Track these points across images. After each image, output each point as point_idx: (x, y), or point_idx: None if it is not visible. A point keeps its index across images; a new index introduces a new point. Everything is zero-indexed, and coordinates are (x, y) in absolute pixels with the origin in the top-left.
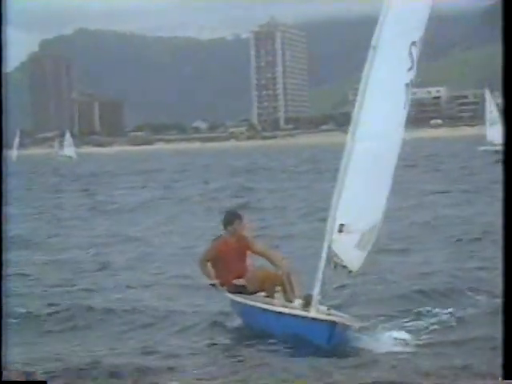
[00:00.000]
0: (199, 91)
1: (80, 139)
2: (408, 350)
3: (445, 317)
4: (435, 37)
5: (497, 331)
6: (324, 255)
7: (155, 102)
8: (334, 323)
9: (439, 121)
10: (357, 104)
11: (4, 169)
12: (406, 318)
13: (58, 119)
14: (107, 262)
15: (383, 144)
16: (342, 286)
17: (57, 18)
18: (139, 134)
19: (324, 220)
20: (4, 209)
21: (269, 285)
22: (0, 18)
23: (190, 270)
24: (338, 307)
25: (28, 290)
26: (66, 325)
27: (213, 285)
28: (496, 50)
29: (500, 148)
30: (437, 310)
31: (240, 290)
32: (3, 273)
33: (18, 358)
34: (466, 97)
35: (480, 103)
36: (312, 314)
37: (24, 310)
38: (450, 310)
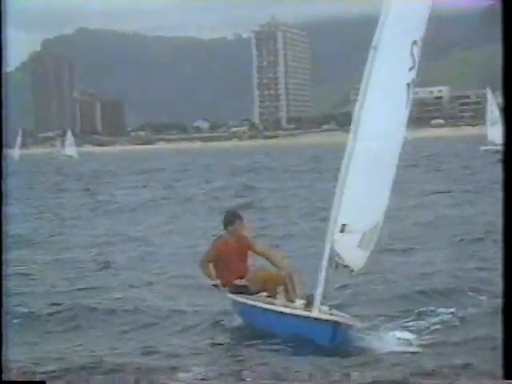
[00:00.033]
0: (200, 91)
1: (82, 138)
2: (410, 349)
3: (447, 317)
4: (436, 36)
5: (499, 331)
6: (326, 255)
7: (157, 101)
8: (337, 323)
9: (441, 120)
10: (358, 104)
11: (4, 168)
12: (407, 318)
13: (60, 119)
14: (109, 261)
15: (384, 144)
16: (343, 286)
17: (58, 18)
18: (141, 133)
19: (325, 220)
20: (4, 208)
21: (271, 285)
22: (0, 18)
23: (191, 270)
24: (338, 307)
25: (29, 290)
26: (68, 324)
27: (215, 285)
28: (497, 49)
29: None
30: (439, 309)
31: (241, 291)
32: (3, 272)
33: (19, 358)
34: (467, 97)
35: (482, 103)
36: (315, 313)
37: (26, 310)
38: (451, 309)
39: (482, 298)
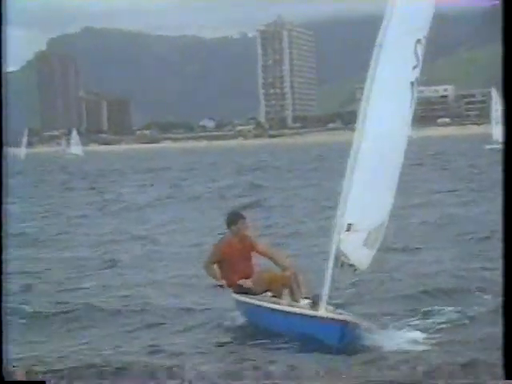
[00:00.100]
0: (206, 90)
1: (87, 137)
2: (418, 348)
3: (452, 315)
4: (441, 36)
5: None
6: (332, 254)
7: (162, 100)
8: (345, 322)
9: (446, 119)
10: (363, 103)
11: (4, 167)
12: (413, 317)
13: (66, 117)
14: (114, 259)
15: (389, 142)
16: (349, 285)
17: (63, 17)
18: (146, 132)
19: (331, 218)
20: (7, 207)
21: (276, 286)
22: (0, 18)
23: (197, 269)
24: (343, 306)
25: (35, 288)
26: (73, 323)
27: (220, 286)
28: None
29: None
30: (444, 308)
31: (246, 291)
32: (3, 272)
33: (23, 356)
34: (473, 95)
35: (487, 102)
36: (323, 313)
37: (31, 308)
38: (458, 308)
39: (486, 297)
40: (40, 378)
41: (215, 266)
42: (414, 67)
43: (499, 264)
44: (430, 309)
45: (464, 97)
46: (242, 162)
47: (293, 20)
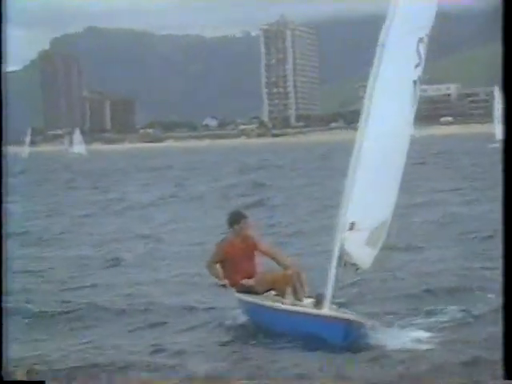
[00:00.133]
0: (209, 89)
1: (91, 136)
2: (421, 347)
3: (455, 314)
4: (444, 34)
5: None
6: (336, 253)
7: (165, 99)
8: (349, 321)
9: (450, 118)
10: (365, 102)
11: (4, 166)
12: (415, 316)
13: (69, 117)
14: (118, 258)
15: (392, 141)
16: (352, 284)
17: (66, 17)
18: (149, 131)
19: (334, 217)
20: (6, 206)
21: (279, 286)
22: (0, 17)
23: (199, 267)
24: (346, 305)
25: (38, 287)
26: (76, 322)
27: (223, 285)
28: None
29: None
30: (447, 307)
31: (248, 290)
32: (3, 271)
33: (26, 355)
34: (476, 94)
35: (490, 100)
36: (327, 312)
37: (34, 307)
38: (461, 307)
39: (490, 295)
40: (42, 377)
41: (218, 266)
42: (417, 66)
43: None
44: (433, 308)
45: (467, 95)
46: (245, 161)
47: (295, 19)
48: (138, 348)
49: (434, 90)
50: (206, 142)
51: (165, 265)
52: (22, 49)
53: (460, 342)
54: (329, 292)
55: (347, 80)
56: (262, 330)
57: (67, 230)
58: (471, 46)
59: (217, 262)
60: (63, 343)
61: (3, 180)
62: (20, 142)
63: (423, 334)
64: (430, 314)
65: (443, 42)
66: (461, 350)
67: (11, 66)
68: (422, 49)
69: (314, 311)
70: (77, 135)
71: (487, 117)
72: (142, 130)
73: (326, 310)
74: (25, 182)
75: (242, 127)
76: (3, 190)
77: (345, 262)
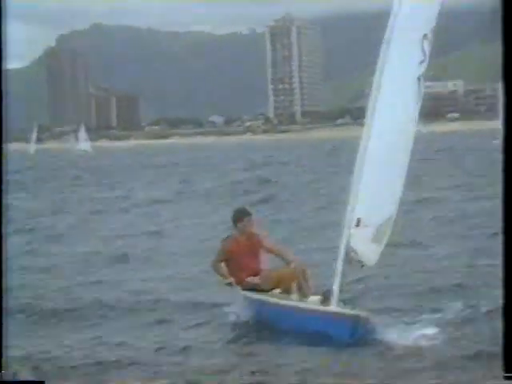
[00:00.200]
0: (215, 85)
1: (97, 133)
2: (427, 343)
3: (461, 311)
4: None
5: None
6: (342, 250)
7: (171, 96)
8: (357, 318)
9: (456, 114)
10: (371, 98)
11: (4, 164)
12: (421, 312)
13: (75, 113)
14: (125, 255)
15: (397, 138)
16: (356, 281)
17: (73, 14)
18: (155, 128)
19: (340, 213)
20: (5, 203)
21: (284, 283)
22: (0, 15)
23: (206, 264)
24: (350, 302)
25: (45, 284)
26: (83, 318)
27: (229, 284)
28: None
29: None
30: (453, 304)
31: (254, 288)
32: (3, 270)
33: (31, 351)
34: (483, 90)
35: (496, 97)
36: (335, 309)
37: (40, 304)
38: (467, 304)
39: (496, 292)
40: (47, 374)
41: (223, 264)
42: (421, 62)
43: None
44: (438, 304)
45: (474, 92)
46: (250, 158)
47: (301, 16)
48: (144, 344)
49: (440, 87)
50: (211, 139)
51: (171, 261)
52: (29, 46)
53: (465, 338)
54: (336, 289)
55: (353, 76)
56: (268, 327)
57: (74, 227)
58: (478, 42)
59: (221, 261)
60: (69, 340)
61: (3, 178)
62: (26, 139)
63: (428, 331)
64: (434, 310)
65: (449, 38)
66: (466, 346)
67: (18, 63)
68: (427, 45)
69: (321, 308)
70: (82, 132)
71: (493, 113)
72: (147, 127)
73: (333, 306)
74: (31, 178)
75: (248, 124)
76: (3, 188)
77: (351, 259)
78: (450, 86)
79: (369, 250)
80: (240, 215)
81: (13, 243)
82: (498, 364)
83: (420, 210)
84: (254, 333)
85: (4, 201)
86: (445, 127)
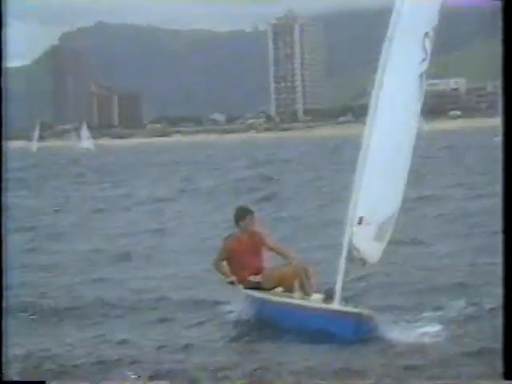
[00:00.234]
0: (217, 83)
1: (99, 131)
2: (427, 340)
3: (463, 309)
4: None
5: None
6: (345, 248)
7: (173, 94)
8: (360, 315)
9: (458, 112)
10: (373, 96)
11: (4, 162)
12: (423, 310)
13: (78, 112)
14: (127, 253)
15: (399, 136)
16: (357, 279)
17: (75, 12)
18: (157, 126)
19: (343, 211)
20: (6, 199)
21: (287, 282)
22: (0, 13)
23: (209, 263)
24: (351, 299)
25: (47, 282)
26: (86, 317)
27: (231, 283)
28: None
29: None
30: (455, 302)
31: (256, 287)
32: (3, 269)
33: (32, 349)
34: (484, 88)
35: (497, 94)
36: (338, 307)
37: (43, 301)
38: (469, 301)
39: (498, 290)
40: (49, 373)
41: (224, 263)
42: (423, 60)
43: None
44: (439, 302)
45: (476, 89)
46: (253, 156)
47: (303, 14)
48: (146, 343)
49: (442, 84)
50: (213, 137)
51: (173, 259)
52: (31, 44)
53: (467, 336)
54: (338, 287)
55: (355, 74)
56: (270, 326)
57: (76, 225)
58: (480, 40)
59: (223, 260)
60: (71, 338)
61: (3, 176)
62: (29, 137)
63: (430, 328)
64: (436, 308)
65: (452, 36)
66: (468, 344)
67: (19, 61)
68: (428, 43)
69: (325, 306)
70: (84, 130)
71: (495, 110)
72: (149, 125)
73: (337, 304)
74: (33, 176)
75: (250, 122)
76: (3, 186)
77: (353, 257)
78: (451, 83)
79: (371, 248)
80: (242, 213)
81: (15, 241)
82: (500, 361)
83: (421, 208)
84: (256, 331)
85: (6, 199)
86: (446, 125)
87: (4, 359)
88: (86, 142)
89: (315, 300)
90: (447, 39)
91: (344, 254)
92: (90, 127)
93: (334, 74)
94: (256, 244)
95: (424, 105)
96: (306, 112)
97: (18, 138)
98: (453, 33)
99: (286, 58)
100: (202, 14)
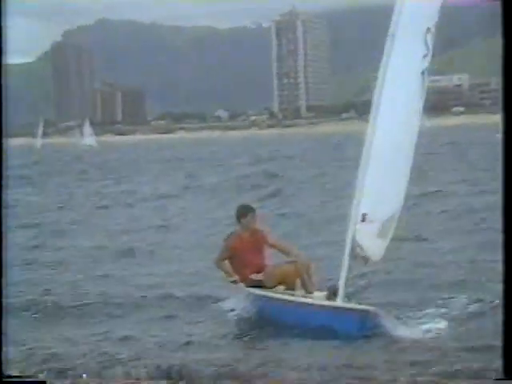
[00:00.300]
0: (220, 80)
1: (102, 128)
2: (430, 336)
3: (466, 305)
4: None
5: None
6: (348, 245)
7: (176, 91)
8: (365, 312)
9: (461, 108)
10: (375, 92)
11: (4, 159)
12: (427, 307)
13: (81, 108)
14: (131, 250)
15: (401, 132)
16: (360, 275)
17: (77, 9)
18: (161, 122)
19: (346, 208)
20: (10, 196)
21: (289, 280)
22: (0, 11)
23: (212, 259)
24: (354, 296)
25: (51, 279)
26: (89, 314)
27: (234, 282)
28: None
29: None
30: (459, 298)
31: (258, 285)
32: (3, 268)
33: (34, 346)
34: (488, 84)
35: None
36: (343, 304)
37: (47, 298)
38: (472, 298)
39: (500, 287)
40: (52, 372)
41: (226, 262)
42: (425, 56)
43: None
44: (443, 298)
45: (479, 85)
46: (256, 153)
47: (306, 10)
48: (149, 339)
49: (445, 81)
50: (216, 134)
51: (177, 256)
52: (34, 41)
53: (470, 332)
54: (342, 283)
55: (358, 71)
56: (273, 323)
57: (79, 222)
58: (483, 36)
59: (225, 258)
60: (74, 335)
61: (3, 173)
62: (32, 134)
63: (432, 325)
64: (439, 304)
65: (455, 33)
66: (470, 340)
67: (23, 58)
68: (430, 39)
69: (330, 303)
70: (87, 127)
71: (498, 106)
72: (153, 122)
73: (340, 301)
74: (37, 173)
75: (253, 118)
76: (4, 183)
77: (356, 254)
78: (455, 79)
79: (374, 246)
80: (244, 211)
81: (18, 238)
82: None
83: (424, 204)
84: (259, 328)
85: (10, 196)
86: (450, 121)
87: (5, 358)
88: (88, 138)
89: (317, 298)
90: (450, 35)
91: (347, 250)
92: (93, 124)
93: (337, 70)
94: (258, 242)
95: (427, 101)
96: (309, 108)
97: (22, 135)
98: (456, 29)
99: (288, 55)
100: (204, 10)
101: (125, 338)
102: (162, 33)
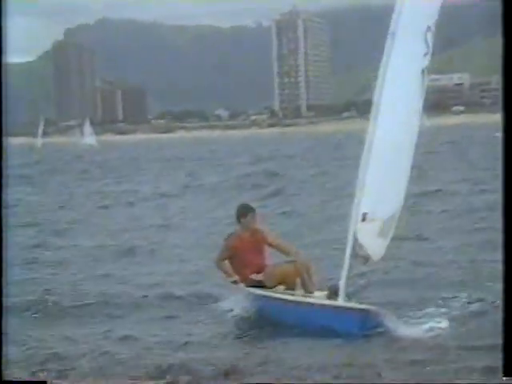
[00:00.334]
0: (220, 79)
1: (103, 127)
2: (430, 335)
3: (467, 304)
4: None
5: None
6: (349, 244)
7: (176, 90)
8: (366, 312)
9: (461, 107)
10: (376, 91)
11: (4, 159)
12: (427, 306)
13: (82, 107)
14: (131, 249)
15: (401, 131)
16: (360, 275)
17: (78, 8)
18: (161, 121)
19: (347, 207)
20: (11, 195)
21: (289, 280)
22: (0, 10)
23: (212, 259)
24: (354, 295)
25: (52, 278)
26: (89, 313)
27: (234, 282)
28: None
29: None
30: (459, 297)
31: (258, 285)
32: (3, 267)
33: (36, 345)
34: (488, 83)
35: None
36: (344, 303)
37: (48, 298)
38: (472, 297)
39: (501, 286)
40: (54, 369)
41: (226, 262)
42: (425, 54)
43: None
44: (444, 297)
45: (479, 84)
46: (256, 152)
47: (307, 9)
48: (150, 339)
49: (446, 80)
50: (217, 133)
51: (177, 255)
52: (35, 40)
53: (470, 331)
54: (343, 283)
55: (359, 70)
56: (273, 323)
57: (80, 221)
58: (485, 35)
59: (225, 259)
60: (74, 334)
61: (3, 172)
62: (33, 134)
63: (433, 324)
64: (439, 303)
65: (456, 32)
66: (471, 339)
67: (23, 57)
68: (430, 37)
69: (331, 302)
70: (87, 126)
71: (499, 105)
72: (153, 121)
73: (341, 301)
74: (38, 172)
75: (253, 117)
76: (4, 182)
77: (357, 254)
78: (455, 78)
79: (375, 245)
80: (244, 211)
81: (19, 237)
82: (501, 357)
83: (425, 204)
84: (259, 328)
85: (11, 195)
86: (450, 120)
87: (5, 358)
88: (88, 138)
89: (318, 297)
90: (451, 34)
91: (348, 250)
92: (93, 123)
93: (338, 69)
94: (258, 241)
95: (427, 100)
96: (310, 107)
97: (22, 134)
98: (456, 28)
99: (289, 54)
100: (205, 9)
101: (125, 338)
102: (163, 32)
